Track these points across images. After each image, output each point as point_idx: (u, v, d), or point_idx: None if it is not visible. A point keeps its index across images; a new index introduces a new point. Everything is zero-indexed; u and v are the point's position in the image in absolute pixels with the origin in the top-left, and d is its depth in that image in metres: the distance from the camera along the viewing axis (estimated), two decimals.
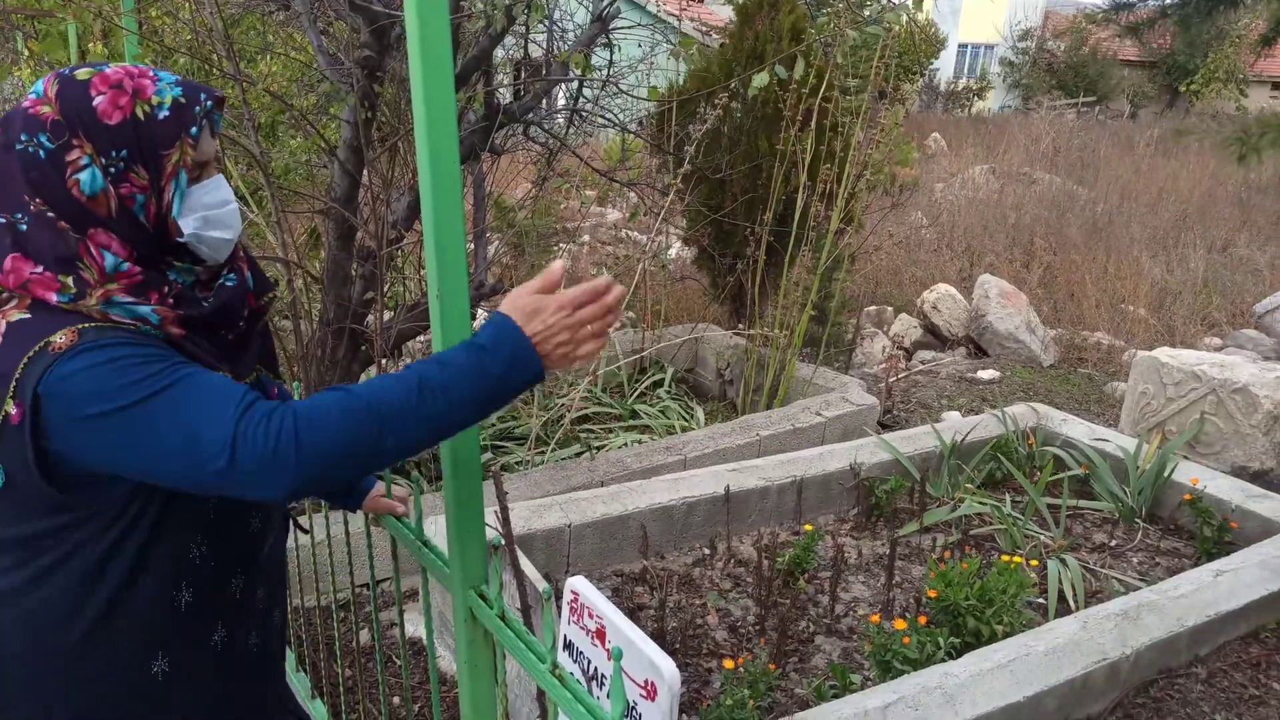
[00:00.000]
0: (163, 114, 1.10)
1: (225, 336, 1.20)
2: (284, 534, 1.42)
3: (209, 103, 1.15)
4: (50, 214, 1.06)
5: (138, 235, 1.11)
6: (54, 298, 1.06)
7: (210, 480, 1.01)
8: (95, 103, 1.07)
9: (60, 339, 1.03)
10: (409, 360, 4.09)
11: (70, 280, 1.06)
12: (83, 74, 1.09)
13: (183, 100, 1.12)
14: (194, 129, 1.12)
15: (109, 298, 1.07)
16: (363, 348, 3.50)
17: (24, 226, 1.06)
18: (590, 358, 1.13)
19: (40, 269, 1.06)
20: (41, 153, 1.05)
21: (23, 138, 1.06)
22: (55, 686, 1.14)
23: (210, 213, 1.16)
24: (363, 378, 3.66)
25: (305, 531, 1.52)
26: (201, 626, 1.22)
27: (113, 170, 1.08)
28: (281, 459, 0.99)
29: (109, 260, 1.08)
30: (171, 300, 1.12)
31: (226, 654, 1.26)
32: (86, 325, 1.05)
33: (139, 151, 1.09)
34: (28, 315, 1.07)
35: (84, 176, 1.06)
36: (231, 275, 1.21)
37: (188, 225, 1.14)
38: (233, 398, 1.02)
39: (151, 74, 1.12)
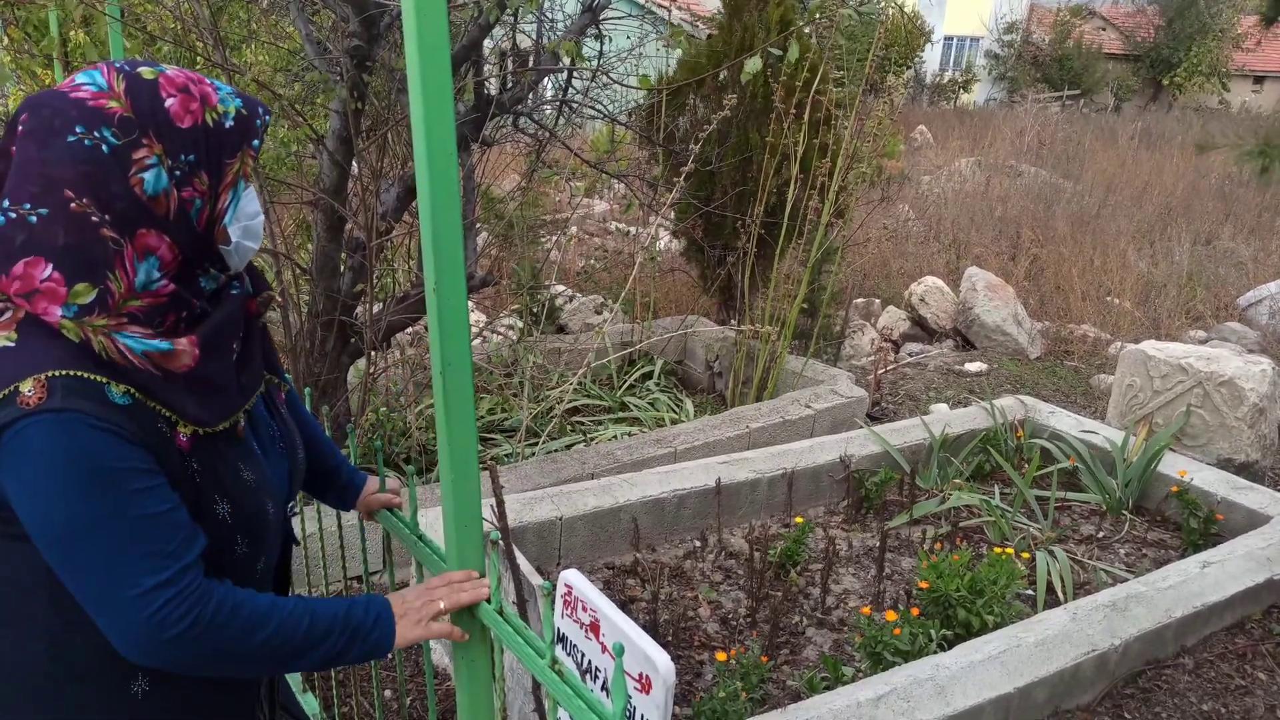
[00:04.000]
0: (229, 123, 1.12)
1: (232, 349, 1.18)
2: (285, 548, 1.39)
3: (268, 116, 1.17)
4: (94, 216, 1.02)
5: (189, 238, 1.11)
6: (57, 311, 1.01)
7: (100, 623, 1.06)
8: (167, 104, 1.07)
9: (28, 389, 1.00)
10: (398, 352, 4.07)
11: (91, 290, 1.02)
12: (148, 73, 1.08)
13: (244, 112, 1.14)
14: (256, 141, 1.15)
15: (120, 328, 1.04)
16: (352, 339, 3.47)
17: (34, 219, 1.00)
18: (437, 622, 1.25)
19: (50, 271, 1.00)
20: (105, 147, 1.02)
21: (79, 129, 1.02)
22: (32, 709, 1.13)
23: (249, 223, 1.18)
24: (351, 370, 3.64)
25: (297, 544, 1.50)
26: None
27: (178, 173, 1.08)
28: (178, 650, 1.06)
29: (141, 275, 1.05)
30: (186, 321, 1.10)
31: None
32: (58, 375, 1.00)
33: (206, 157, 1.10)
34: (12, 344, 1.02)
35: (148, 176, 1.05)
36: (236, 283, 1.22)
37: (235, 233, 1.16)
38: (169, 566, 1.04)
39: (208, 82, 1.13)
